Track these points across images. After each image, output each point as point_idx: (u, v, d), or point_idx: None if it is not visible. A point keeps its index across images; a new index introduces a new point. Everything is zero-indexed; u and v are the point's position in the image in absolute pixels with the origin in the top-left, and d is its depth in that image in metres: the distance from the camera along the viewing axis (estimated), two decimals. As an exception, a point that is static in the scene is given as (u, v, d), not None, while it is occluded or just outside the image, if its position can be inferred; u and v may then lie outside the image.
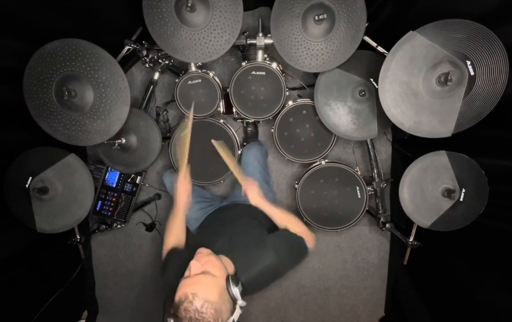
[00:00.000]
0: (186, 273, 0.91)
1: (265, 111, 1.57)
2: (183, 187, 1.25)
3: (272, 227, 1.22)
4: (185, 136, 1.30)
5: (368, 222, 2.01)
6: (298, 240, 1.14)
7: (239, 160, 1.70)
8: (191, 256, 0.95)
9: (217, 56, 1.29)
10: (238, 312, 0.88)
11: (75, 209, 1.46)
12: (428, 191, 1.39)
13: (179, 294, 0.84)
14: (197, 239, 1.23)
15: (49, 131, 1.28)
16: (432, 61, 1.14)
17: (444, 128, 1.21)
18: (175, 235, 1.21)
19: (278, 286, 2.12)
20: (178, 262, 1.04)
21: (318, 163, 1.67)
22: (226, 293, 0.88)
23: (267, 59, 1.55)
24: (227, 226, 1.23)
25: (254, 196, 1.22)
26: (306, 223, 1.72)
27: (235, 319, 0.87)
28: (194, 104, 1.48)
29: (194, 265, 0.90)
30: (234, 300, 0.89)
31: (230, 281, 0.90)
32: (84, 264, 1.82)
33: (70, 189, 1.44)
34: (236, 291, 0.89)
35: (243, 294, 1.01)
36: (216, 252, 1.01)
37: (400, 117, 1.23)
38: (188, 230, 1.43)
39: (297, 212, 1.74)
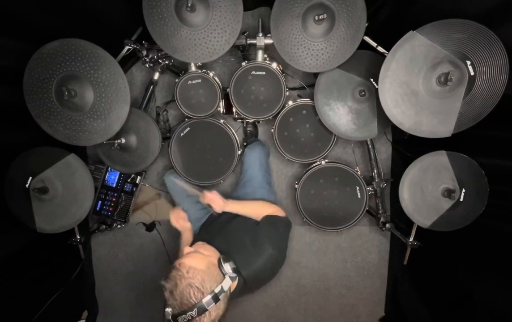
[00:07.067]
0: None
1: (265, 111, 1.56)
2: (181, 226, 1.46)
3: None
4: None
5: (368, 222, 2.01)
6: (281, 220, 1.20)
7: (240, 160, 1.70)
8: None
9: (217, 56, 1.29)
10: (228, 281, 0.92)
11: (75, 209, 1.46)
12: (428, 191, 1.39)
13: (170, 269, 0.90)
14: (197, 239, 1.24)
15: (49, 131, 1.28)
16: (432, 61, 1.14)
17: (444, 128, 1.20)
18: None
19: (278, 286, 2.12)
20: None
21: (318, 163, 1.67)
22: (216, 268, 0.93)
23: (267, 59, 1.55)
24: (224, 226, 1.24)
25: (217, 204, 1.27)
26: (306, 223, 1.73)
27: (224, 287, 0.90)
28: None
29: (186, 249, 0.99)
30: (225, 276, 0.94)
31: (221, 259, 0.96)
32: (84, 264, 1.82)
33: (70, 189, 1.44)
34: (227, 266, 0.94)
35: (246, 290, 1.03)
36: None
37: (400, 117, 1.23)
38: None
39: (297, 212, 1.74)
